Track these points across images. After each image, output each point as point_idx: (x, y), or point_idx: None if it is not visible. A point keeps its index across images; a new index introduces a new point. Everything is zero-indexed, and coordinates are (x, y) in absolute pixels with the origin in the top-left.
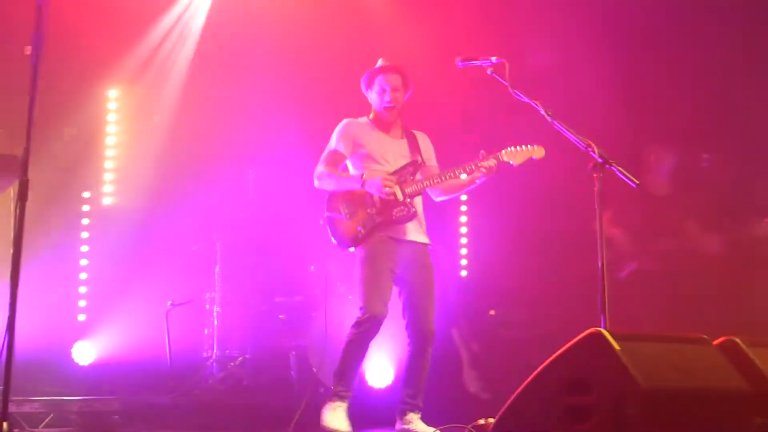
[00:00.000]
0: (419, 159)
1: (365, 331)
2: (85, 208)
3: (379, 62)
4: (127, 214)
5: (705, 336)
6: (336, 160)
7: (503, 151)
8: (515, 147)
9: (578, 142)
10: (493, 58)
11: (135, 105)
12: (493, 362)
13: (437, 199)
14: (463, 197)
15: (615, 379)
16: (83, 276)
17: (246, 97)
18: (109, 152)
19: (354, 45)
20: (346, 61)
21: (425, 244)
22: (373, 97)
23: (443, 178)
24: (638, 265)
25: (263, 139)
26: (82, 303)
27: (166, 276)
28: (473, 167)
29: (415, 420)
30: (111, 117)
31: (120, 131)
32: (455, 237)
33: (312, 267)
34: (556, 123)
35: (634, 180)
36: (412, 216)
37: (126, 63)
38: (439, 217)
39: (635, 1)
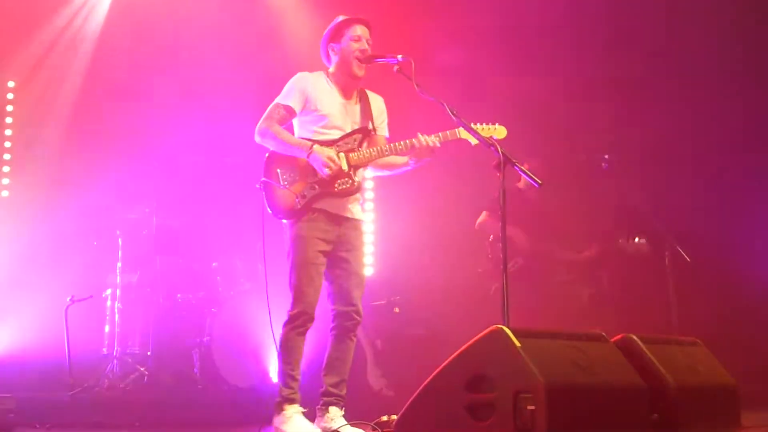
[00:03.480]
0: (369, 126)
1: (298, 327)
2: None
3: (339, 18)
4: (24, 208)
5: (603, 333)
6: (284, 117)
7: (459, 129)
8: (478, 124)
9: (482, 141)
10: (399, 56)
11: (34, 96)
12: (396, 359)
13: (371, 174)
14: (369, 195)
15: (515, 376)
16: None
17: (149, 88)
18: (7, 144)
19: (261, 43)
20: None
21: (359, 221)
22: (342, 48)
23: (389, 152)
24: (524, 261)
25: (167, 130)
26: None
27: (66, 271)
28: (416, 143)
29: (338, 417)
30: (8, 108)
31: (18, 123)
32: None
33: (215, 263)
34: (461, 121)
35: (537, 180)
36: (356, 189)
37: (26, 53)
38: None
39: None
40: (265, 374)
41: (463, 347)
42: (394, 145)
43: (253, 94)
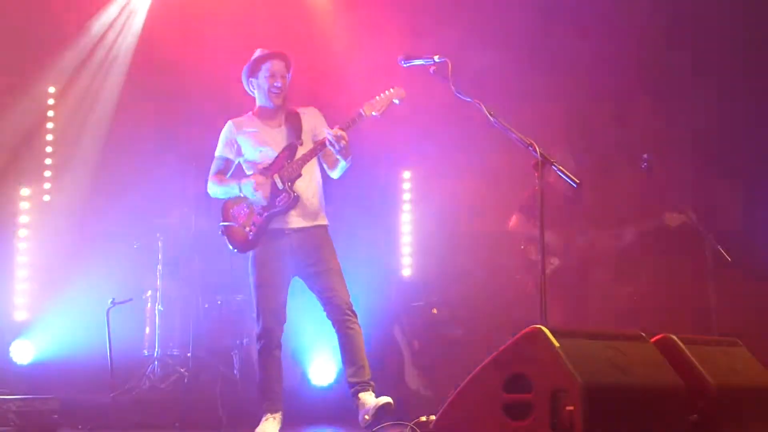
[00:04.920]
0: (296, 142)
1: (264, 347)
2: (24, 205)
3: (258, 52)
4: (67, 211)
5: (642, 333)
6: (222, 167)
7: (363, 107)
8: (374, 98)
9: (520, 141)
10: (436, 57)
11: (74, 101)
12: (434, 360)
13: (334, 177)
14: (406, 197)
15: (554, 376)
16: (22, 274)
17: (188, 93)
18: (48, 149)
19: (297, 45)
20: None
21: (318, 226)
22: (259, 84)
23: (308, 158)
24: (561, 262)
25: (206, 132)
26: (21, 301)
27: (107, 274)
28: (321, 143)
29: (368, 399)
30: (50, 113)
31: (59, 128)
32: (398, 236)
33: None
34: (498, 122)
35: (574, 179)
36: (295, 201)
37: (66, 59)
38: (383, 216)
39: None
40: (304, 376)
41: (502, 347)
42: (314, 147)
43: (293, 94)
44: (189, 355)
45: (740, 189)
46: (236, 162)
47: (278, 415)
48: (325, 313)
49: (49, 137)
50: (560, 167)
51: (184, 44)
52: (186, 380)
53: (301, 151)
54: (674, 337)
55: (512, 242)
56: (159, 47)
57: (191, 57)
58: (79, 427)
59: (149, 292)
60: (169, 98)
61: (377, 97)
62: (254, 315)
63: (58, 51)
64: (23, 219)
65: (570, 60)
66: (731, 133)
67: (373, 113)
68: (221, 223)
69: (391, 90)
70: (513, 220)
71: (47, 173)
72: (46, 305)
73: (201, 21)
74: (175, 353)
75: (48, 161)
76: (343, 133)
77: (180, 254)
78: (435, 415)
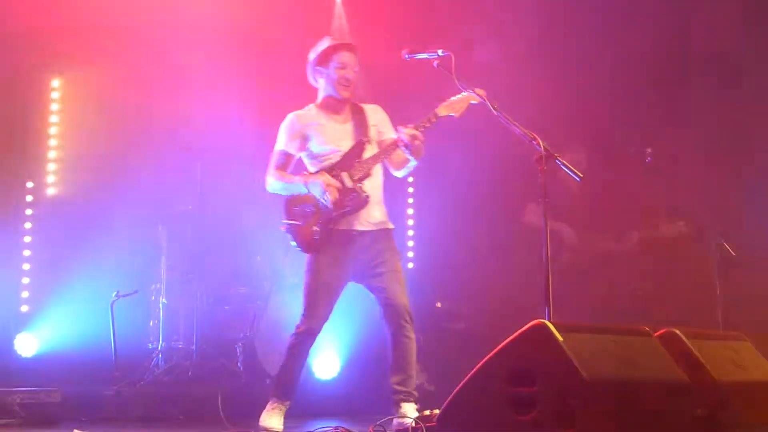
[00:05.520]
0: (364, 140)
1: (300, 342)
2: (28, 198)
3: (326, 40)
4: (71, 204)
5: (646, 328)
6: (284, 162)
7: (438, 108)
8: (452, 98)
9: (523, 135)
10: (440, 51)
11: (78, 93)
12: (438, 354)
13: (398, 176)
14: (411, 189)
15: (558, 370)
16: (26, 267)
17: (194, 83)
18: (52, 142)
19: (304, 39)
20: (296, 56)
21: (384, 230)
22: (329, 74)
23: (380, 158)
24: (572, 256)
25: (212, 128)
26: (25, 294)
27: (111, 266)
28: (394, 144)
29: (410, 411)
30: (54, 107)
31: (63, 121)
32: (402, 229)
33: (258, 257)
34: (501, 116)
35: (578, 173)
36: (366, 200)
37: (70, 50)
38: (386, 209)
39: None
40: (309, 369)
41: (505, 341)
42: (386, 148)
43: (303, 87)
44: (193, 347)
45: (747, 184)
46: (297, 156)
47: (285, 406)
48: (383, 318)
49: (53, 130)
50: (563, 161)
51: (193, 32)
52: (190, 373)
53: (369, 149)
54: (678, 332)
55: (528, 235)
56: (166, 36)
57: (202, 45)
58: (83, 419)
59: (153, 285)
60: (176, 89)
61: (453, 98)
62: (302, 311)
63: (61, 42)
64: (28, 212)
65: (577, 56)
66: (738, 130)
67: (452, 114)
68: (284, 221)
69: (469, 91)
70: (528, 211)
71: (51, 166)
72: (51, 298)
73: (207, 14)
74: (179, 346)
75: (52, 154)
76: (417, 133)
77: (184, 246)
78: (438, 409)
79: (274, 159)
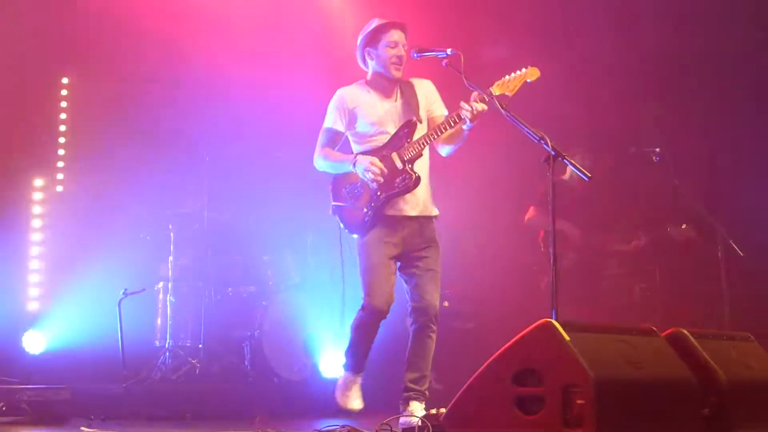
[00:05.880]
0: (413, 119)
1: (366, 319)
2: (37, 195)
3: (374, 21)
4: (80, 202)
5: (653, 327)
6: (332, 139)
7: (493, 86)
8: (506, 76)
9: (532, 135)
10: (449, 50)
11: (87, 92)
12: (445, 353)
13: (444, 154)
14: None
15: (565, 370)
16: (34, 264)
17: (203, 82)
18: (61, 140)
19: (311, 41)
20: (305, 55)
21: (431, 217)
22: (378, 54)
23: (434, 136)
24: (577, 255)
25: (219, 124)
26: (34, 291)
27: (119, 264)
28: (456, 117)
29: (418, 411)
30: (63, 104)
31: (72, 118)
32: None
33: (266, 257)
34: (509, 115)
35: (586, 173)
36: (417, 181)
37: (80, 49)
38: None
39: None
40: (315, 368)
41: (512, 340)
42: (438, 126)
43: (308, 88)
44: (200, 346)
45: (753, 184)
46: (345, 134)
47: (358, 379)
48: (411, 309)
49: (63, 128)
50: (572, 161)
51: (202, 33)
52: (197, 371)
53: (420, 129)
54: (685, 332)
55: (529, 235)
56: (176, 37)
57: (210, 46)
58: (91, 417)
59: (161, 284)
60: (183, 89)
61: (507, 77)
62: (364, 292)
63: (71, 40)
64: (36, 209)
65: (586, 57)
66: (745, 128)
67: (506, 93)
68: (333, 203)
69: (524, 69)
70: (530, 213)
71: (60, 164)
72: (59, 295)
73: (217, 14)
74: (186, 344)
75: (61, 152)
76: (484, 107)
77: (191, 245)
78: (445, 408)
79: (322, 137)
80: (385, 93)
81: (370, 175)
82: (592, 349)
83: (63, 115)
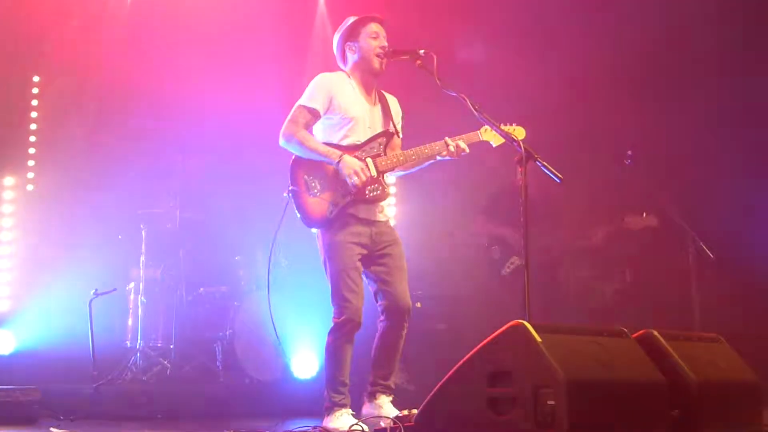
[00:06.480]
0: (391, 128)
1: (344, 335)
2: (8, 194)
3: (352, 18)
4: (51, 201)
5: (624, 329)
6: (310, 120)
7: (480, 131)
8: (499, 126)
9: (505, 136)
10: (422, 51)
11: (58, 91)
12: (417, 354)
13: (398, 174)
14: (392, 189)
15: (536, 370)
16: (4, 264)
17: (174, 83)
18: (32, 138)
19: (284, 44)
20: (277, 59)
21: (388, 223)
22: (361, 46)
23: (413, 157)
24: (521, 260)
25: (191, 125)
26: (3, 291)
27: (90, 264)
28: (445, 146)
29: (386, 404)
30: (34, 102)
31: (43, 117)
32: None
33: (238, 257)
34: (483, 117)
35: (558, 175)
36: (386, 195)
37: (51, 48)
38: None
39: None
40: (287, 368)
41: (484, 342)
42: (421, 149)
43: (279, 89)
44: (172, 346)
45: (724, 186)
46: (321, 117)
47: (349, 410)
48: (380, 308)
49: (33, 126)
50: (544, 162)
51: (171, 33)
52: (168, 372)
53: (395, 143)
54: (656, 333)
55: (477, 246)
56: (145, 36)
57: (180, 46)
58: (61, 417)
59: (132, 284)
60: (155, 89)
61: (500, 128)
62: (337, 301)
63: (42, 39)
64: (6, 208)
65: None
66: (714, 132)
67: (491, 142)
68: (292, 187)
69: (514, 127)
70: (475, 222)
71: (31, 162)
72: (29, 295)
73: (189, 13)
74: (158, 345)
75: (32, 150)
76: (466, 148)
77: (163, 245)
78: (417, 409)
79: (297, 114)
80: (367, 90)
81: (355, 180)
82: (564, 350)
83: (34, 114)
